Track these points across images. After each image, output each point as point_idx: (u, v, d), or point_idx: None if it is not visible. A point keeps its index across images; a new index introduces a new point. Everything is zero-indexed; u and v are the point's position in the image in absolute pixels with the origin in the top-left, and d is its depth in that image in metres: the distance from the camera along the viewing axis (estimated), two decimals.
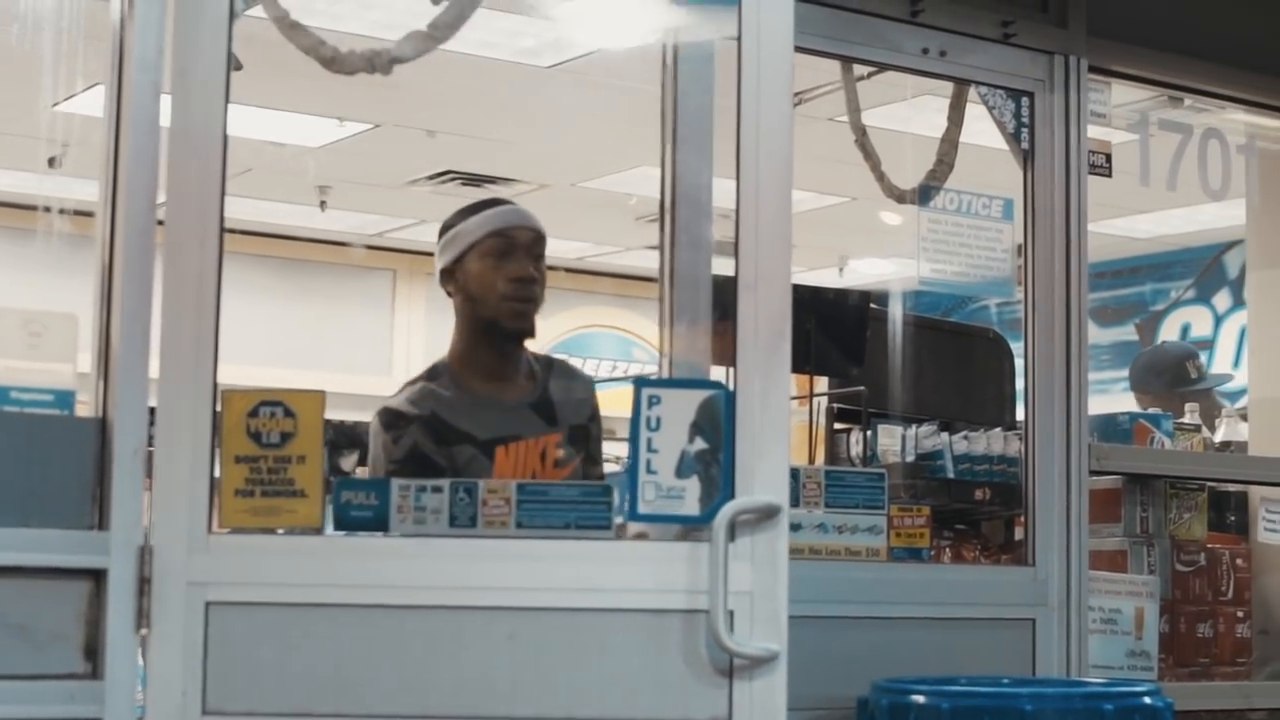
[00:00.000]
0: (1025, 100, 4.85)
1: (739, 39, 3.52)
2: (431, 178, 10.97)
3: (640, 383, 3.45)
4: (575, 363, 4.28)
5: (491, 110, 9.43)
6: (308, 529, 3.36)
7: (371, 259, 13.08)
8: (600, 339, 14.40)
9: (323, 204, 11.35)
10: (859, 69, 5.07)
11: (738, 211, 3.45)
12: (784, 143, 3.50)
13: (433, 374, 4.01)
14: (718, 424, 3.38)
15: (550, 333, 14.04)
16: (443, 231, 4.05)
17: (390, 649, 3.33)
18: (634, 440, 3.39)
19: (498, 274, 3.91)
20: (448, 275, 4.01)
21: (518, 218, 3.99)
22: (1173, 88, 5.36)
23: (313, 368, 11.80)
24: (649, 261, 14.02)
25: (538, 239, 3.99)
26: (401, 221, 12.26)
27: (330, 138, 9.94)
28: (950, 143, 4.93)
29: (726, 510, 3.31)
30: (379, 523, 3.40)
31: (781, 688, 3.34)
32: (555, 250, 13.43)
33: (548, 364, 4.10)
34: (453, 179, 10.97)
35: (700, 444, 3.39)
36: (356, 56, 3.83)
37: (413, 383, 4.05)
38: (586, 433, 4.04)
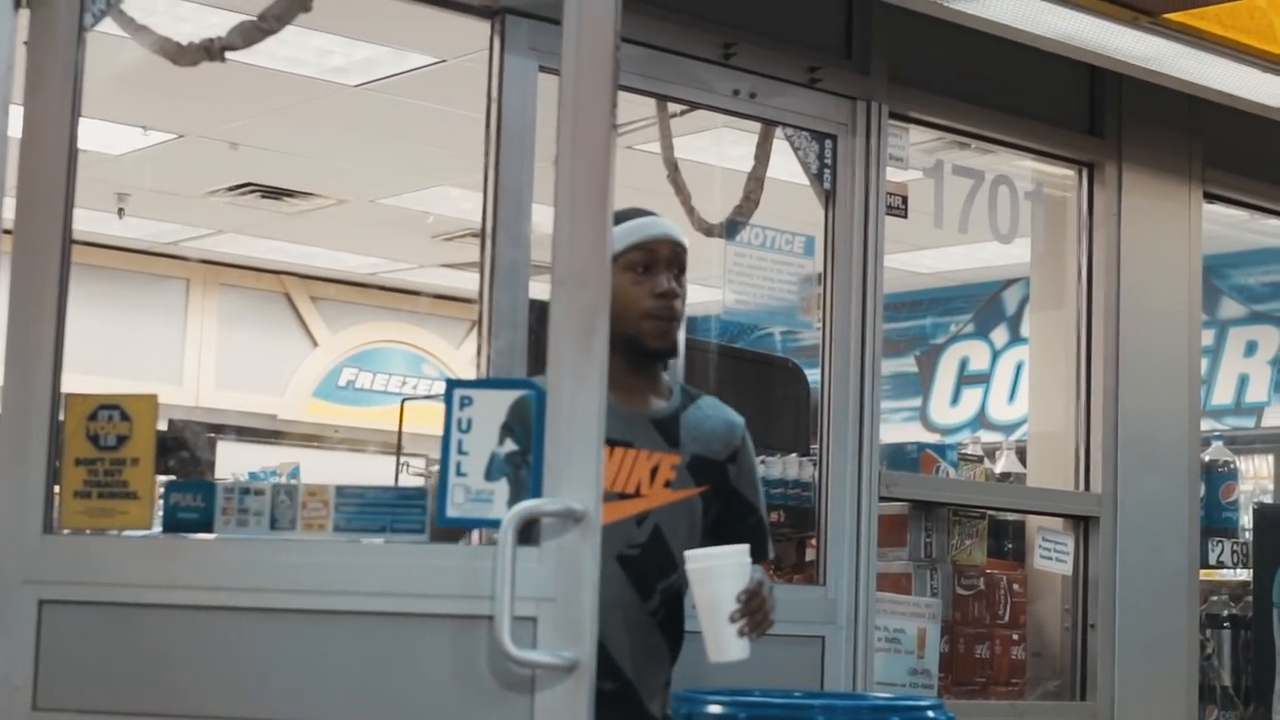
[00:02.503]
0: (829, 142, 5.04)
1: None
2: (231, 189, 10.97)
3: (452, 384, 3.35)
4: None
5: (296, 125, 9.49)
6: (139, 530, 3.44)
7: (166, 267, 13.01)
8: (391, 354, 14.44)
9: (120, 211, 11.28)
10: (672, 106, 5.20)
11: (556, 205, 3.32)
12: (603, 139, 3.32)
13: None
14: (528, 425, 3.29)
15: (340, 347, 14.08)
16: None
17: (211, 649, 3.38)
18: (445, 442, 3.31)
19: (640, 290, 3.69)
20: None
21: (660, 230, 3.76)
22: (967, 134, 5.60)
23: (104, 374, 11.64)
24: (442, 279, 14.08)
25: (680, 252, 3.76)
26: (198, 231, 12.22)
27: (133, 145, 9.92)
28: (757, 180, 5.09)
29: (514, 513, 3.21)
30: (204, 524, 3.43)
31: (584, 697, 3.22)
32: (349, 266, 13.50)
33: (694, 394, 3.88)
34: (252, 191, 10.98)
35: (510, 446, 3.29)
36: (195, 48, 3.99)
37: None
38: (722, 470, 3.80)
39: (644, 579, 3.65)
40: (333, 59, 8.25)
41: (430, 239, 11.97)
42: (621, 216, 3.69)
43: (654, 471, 3.66)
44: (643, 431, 3.69)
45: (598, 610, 3.23)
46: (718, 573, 3.49)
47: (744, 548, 3.54)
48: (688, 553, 3.52)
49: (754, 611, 3.49)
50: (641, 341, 3.69)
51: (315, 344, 13.98)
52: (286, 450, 13.30)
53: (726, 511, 3.79)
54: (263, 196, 11.05)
